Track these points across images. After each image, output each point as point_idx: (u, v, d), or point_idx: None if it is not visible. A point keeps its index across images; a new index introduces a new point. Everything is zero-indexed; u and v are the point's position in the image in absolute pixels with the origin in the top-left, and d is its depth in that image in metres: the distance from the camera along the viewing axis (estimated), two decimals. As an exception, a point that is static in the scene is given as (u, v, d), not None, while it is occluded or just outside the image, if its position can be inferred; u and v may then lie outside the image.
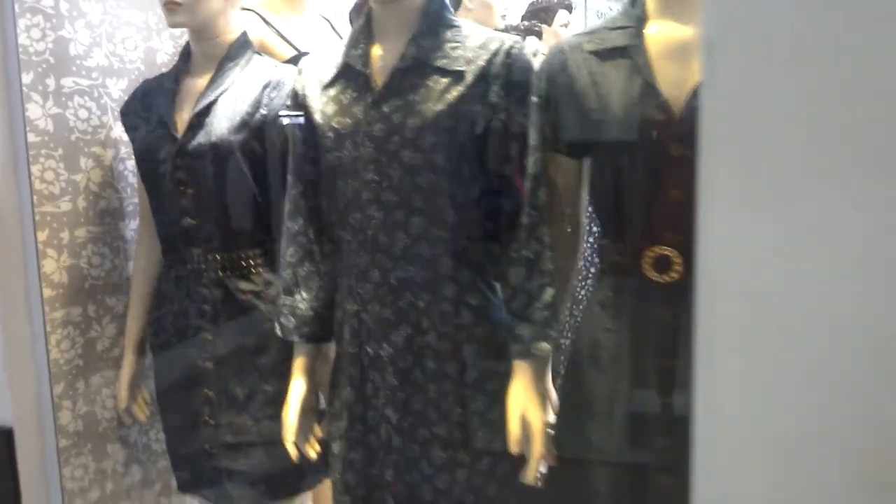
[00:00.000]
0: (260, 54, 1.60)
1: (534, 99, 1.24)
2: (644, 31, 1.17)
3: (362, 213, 1.28)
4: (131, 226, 1.79)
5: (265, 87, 1.51)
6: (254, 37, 1.73)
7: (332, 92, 1.32)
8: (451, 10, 1.32)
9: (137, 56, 1.81)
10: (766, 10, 0.66)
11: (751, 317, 0.69)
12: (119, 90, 1.76)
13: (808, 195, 0.65)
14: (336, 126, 1.29)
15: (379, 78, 1.28)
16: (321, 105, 1.32)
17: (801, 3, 0.64)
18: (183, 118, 1.53)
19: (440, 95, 1.23)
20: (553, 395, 1.33)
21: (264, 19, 1.81)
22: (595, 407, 1.24)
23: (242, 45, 1.57)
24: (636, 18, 1.17)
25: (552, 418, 1.32)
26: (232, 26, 1.57)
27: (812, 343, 0.67)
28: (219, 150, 1.48)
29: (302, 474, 1.55)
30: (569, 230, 1.32)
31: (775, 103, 0.65)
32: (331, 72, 1.33)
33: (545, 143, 1.24)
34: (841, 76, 0.65)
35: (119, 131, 1.73)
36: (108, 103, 1.74)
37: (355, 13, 2.26)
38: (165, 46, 1.88)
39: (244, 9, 1.69)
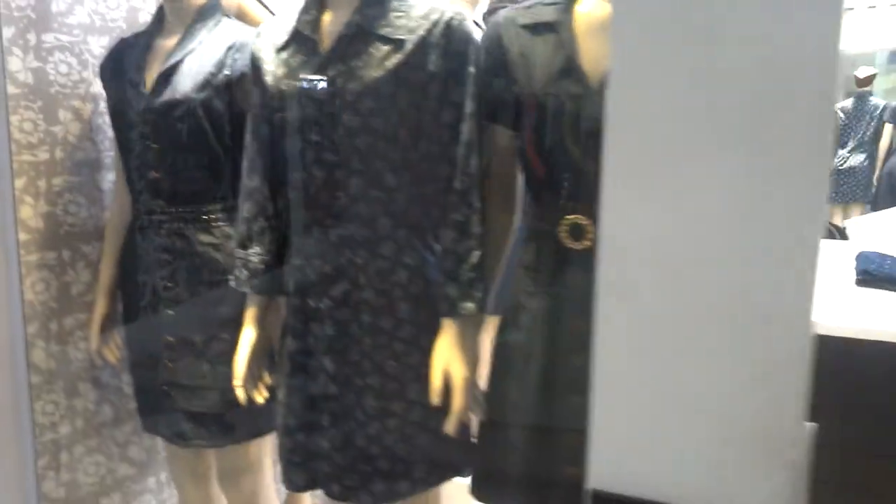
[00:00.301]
0: (229, 17, 1.67)
1: (471, 69, 1.30)
2: (575, 7, 1.22)
3: (306, 171, 1.35)
4: (108, 177, 1.87)
5: (229, 48, 1.58)
6: (232, 1, 1.80)
7: (284, 55, 1.38)
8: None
9: (120, 15, 1.88)
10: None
11: (647, 287, 0.75)
12: (101, 47, 1.83)
13: (701, 172, 0.71)
14: (283, 88, 1.36)
15: (326, 43, 1.34)
16: (273, 67, 1.39)
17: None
18: (152, 76, 1.60)
19: (380, 62, 1.29)
20: (485, 353, 1.40)
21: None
22: (516, 367, 1.31)
23: (212, 8, 1.64)
24: None
25: (483, 376, 1.39)
26: (203, -11, 1.64)
27: (697, 310, 0.73)
28: (182, 108, 1.55)
29: (256, 419, 1.64)
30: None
31: (673, 83, 0.70)
32: (284, 36, 1.40)
33: (480, 112, 1.30)
34: (740, 61, 0.69)
35: (99, 86, 1.81)
36: (88, 59, 1.81)
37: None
38: (148, 6, 1.94)
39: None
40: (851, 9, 6.87)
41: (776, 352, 0.77)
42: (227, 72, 1.57)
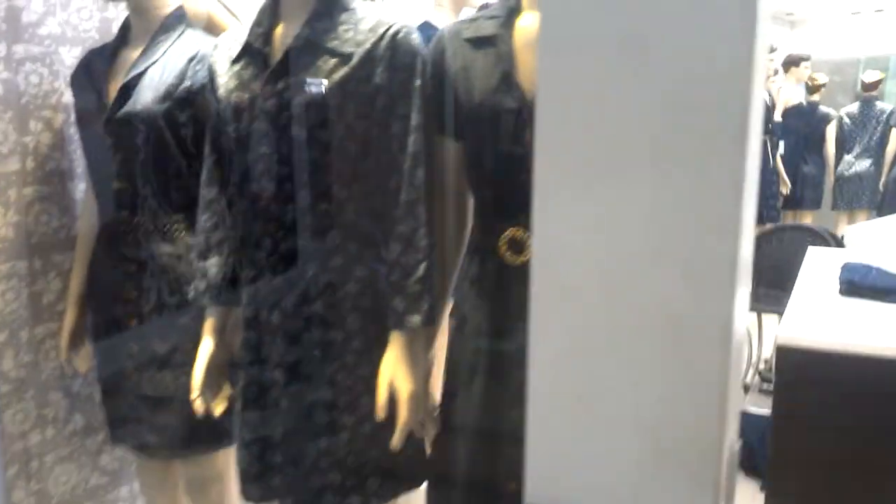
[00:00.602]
0: (194, 27, 1.67)
1: (417, 82, 1.29)
2: (516, 21, 1.21)
3: (257, 184, 1.35)
4: (80, 187, 1.88)
5: (191, 59, 1.59)
6: (202, 10, 1.81)
7: (237, 67, 1.39)
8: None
9: (92, 25, 1.89)
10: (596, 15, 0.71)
11: (577, 302, 0.76)
12: (73, 57, 1.85)
13: (625, 186, 0.71)
14: (235, 100, 1.36)
15: (276, 56, 1.34)
16: (226, 80, 1.39)
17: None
18: (115, 87, 1.61)
19: (327, 75, 1.29)
20: (436, 365, 1.40)
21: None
22: (464, 380, 1.30)
23: (177, 19, 1.65)
24: (508, 9, 1.22)
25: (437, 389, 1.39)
26: (168, 1, 1.65)
27: (623, 323, 0.74)
28: (143, 119, 1.56)
29: (220, 429, 1.64)
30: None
31: (598, 98, 0.71)
32: (237, 48, 1.40)
33: (427, 125, 1.30)
34: (662, 77, 0.70)
35: (70, 97, 1.82)
36: (60, 70, 1.83)
37: None
38: (122, 16, 1.95)
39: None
40: (881, 10, 6.81)
41: (697, 369, 0.77)
42: (188, 83, 1.57)
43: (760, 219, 5.38)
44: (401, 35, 1.30)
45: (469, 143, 1.26)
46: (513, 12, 1.21)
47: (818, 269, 2.61)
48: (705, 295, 0.77)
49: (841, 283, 2.34)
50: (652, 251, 0.76)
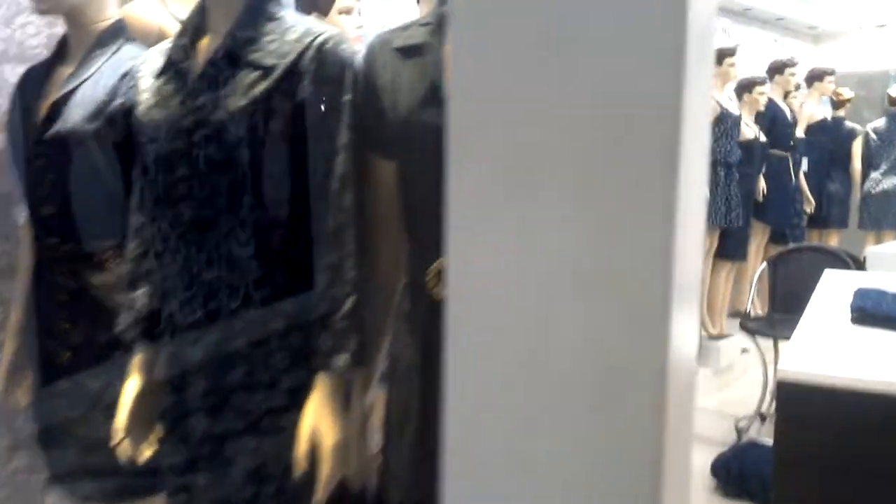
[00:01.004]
0: (132, 41, 1.57)
1: (346, 96, 1.17)
2: (448, 28, 1.08)
3: (175, 209, 1.23)
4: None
5: (124, 75, 1.48)
6: (153, 24, 1.71)
7: (159, 83, 1.27)
8: (280, 1, 1.26)
9: (39, 42, 1.80)
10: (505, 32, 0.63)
11: (494, 343, 0.65)
12: (17, 75, 1.75)
13: (545, 217, 0.61)
14: (154, 118, 1.25)
15: (196, 71, 1.23)
16: (147, 96, 1.28)
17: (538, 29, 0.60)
18: (47, 105, 1.51)
19: (246, 90, 1.17)
20: (374, 410, 1.26)
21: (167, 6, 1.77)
22: (398, 423, 1.17)
23: (114, 33, 1.54)
24: (440, 15, 1.09)
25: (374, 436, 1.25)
26: (106, 13, 1.55)
27: (545, 367, 0.62)
28: (73, 139, 1.45)
29: (150, 476, 1.51)
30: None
31: (515, 115, 0.61)
32: (161, 62, 1.29)
33: (357, 144, 1.17)
34: (583, 99, 0.61)
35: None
36: (3, 87, 1.73)
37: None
38: (73, 32, 1.86)
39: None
40: None
41: (628, 417, 0.66)
42: (120, 100, 1.46)
43: (784, 238, 5.18)
44: (328, 45, 1.18)
45: (399, 163, 1.13)
46: (445, 18, 1.08)
47: (832, 294, 2.44)
48: (636, 330, 0.66)
49: (852, 311, 2.17)
50: (579, 290, 0.66)
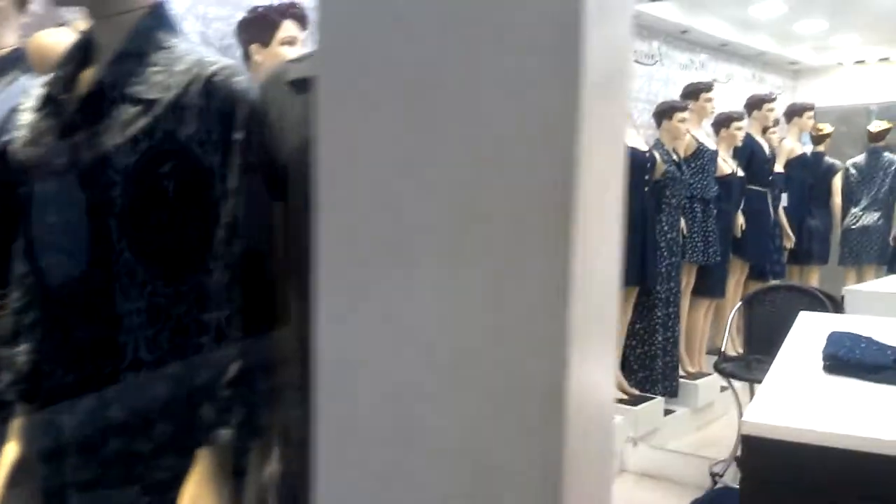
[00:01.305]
0: (31, 71, 1.44)
1: (235, 135, 1.04)
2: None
3: (46, 259, 1.10)
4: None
5: (12, 109, 1.35)
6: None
7: (34, 119, 1.15)
8: (175, 28, 1.14)
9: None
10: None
11: (367, 420, 0.62)
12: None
13: (421, 277, 0.59)
14: (28, 157, 1.12)
15: (73, 105, 1.10)
16: (24, 132, 1.15)
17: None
18: (-69, 142, 1.38)
19: (123, 127, 1.04)
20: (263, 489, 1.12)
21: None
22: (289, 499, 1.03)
23: (10, 63, 1.42)
24: None
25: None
26: (3, 42, 1.42)
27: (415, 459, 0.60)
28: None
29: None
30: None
31: (386, 170, 0.60)
32: (42, 95, 1.16)
33: (248, 188, 1.04)
34: (463, 152, 0.57)
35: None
36: None
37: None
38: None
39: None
40: (886, 59, 6.60)
41: None
42: (6, 138, 1.33)
43: (764, 275, 5.08)
44: (218, 77, 1.05)
45: (285, 207, 1.00)
46: None
47: (806, 338, 2.33)
48: (517, 430, 0.58)
49: (824, 359, 2.06)
50: (455, 367, 0.59)
